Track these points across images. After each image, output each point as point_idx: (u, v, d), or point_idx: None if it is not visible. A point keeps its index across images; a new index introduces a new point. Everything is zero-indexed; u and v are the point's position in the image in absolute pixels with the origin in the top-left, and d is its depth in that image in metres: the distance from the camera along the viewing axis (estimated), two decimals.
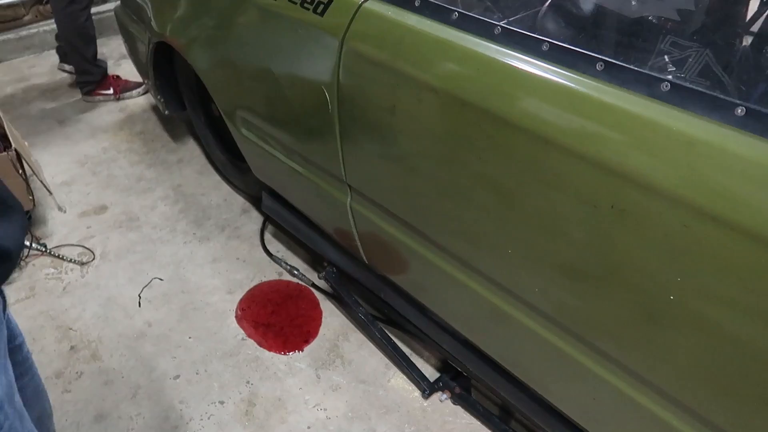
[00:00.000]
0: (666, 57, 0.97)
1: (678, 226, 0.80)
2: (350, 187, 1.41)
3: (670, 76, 0.82)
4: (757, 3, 1.13)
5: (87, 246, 2.06)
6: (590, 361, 1.04)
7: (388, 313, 1.73)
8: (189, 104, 2.28)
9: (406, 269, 1.43)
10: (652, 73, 0.83)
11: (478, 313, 1.26)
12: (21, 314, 1.81)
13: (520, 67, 0.94)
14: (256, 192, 2.16)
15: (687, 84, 0.80)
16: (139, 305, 1.85)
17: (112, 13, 3.41)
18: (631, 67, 0.84)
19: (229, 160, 2.28)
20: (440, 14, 1.06)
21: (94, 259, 2.02)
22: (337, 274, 1.79)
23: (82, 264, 2.00)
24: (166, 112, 2.31)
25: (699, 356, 0.86)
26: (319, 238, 1.81)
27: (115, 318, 1.81)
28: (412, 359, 1.66)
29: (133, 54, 2.40)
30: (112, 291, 1.90)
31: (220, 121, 2.12)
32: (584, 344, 1.03)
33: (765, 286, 0.74)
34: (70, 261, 2.00)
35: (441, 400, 1.58)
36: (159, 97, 2.25)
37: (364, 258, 1.59)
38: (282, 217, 1.94)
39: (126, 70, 3.16)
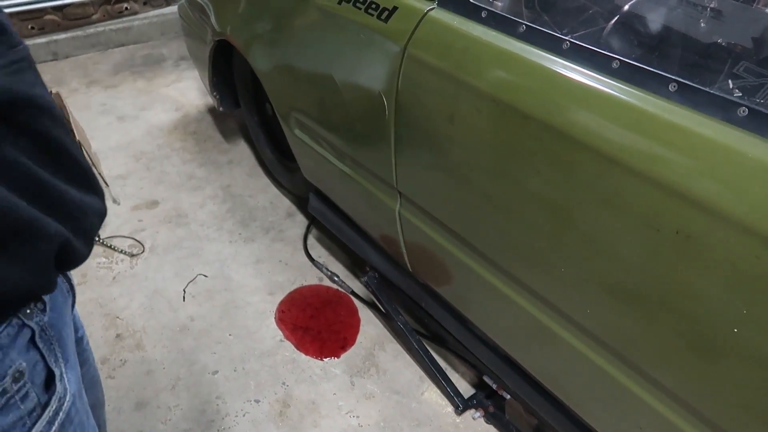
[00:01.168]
0: (736, 82, 0.93)
1: (748, 257, 0.76)
2: (400, 194, 1.41)
3: (747, 101, 0.79)
4: None
5: (137, 238, 2.12)
6: (638, 388, 1.00)
7: (428, 324, 1.71)
8: (243, 102, 2.32)
9: (451, 280, 1.42)
10: (729, 97, 0.80)
11: (523, 329, 1.24)
12: None
13: (587, 83, 0.92)
14: (302, 192, 2.18)
15: (766, 110, 0.77)
16: (184, 299, 1.89)
17: (175, 15, 3.54)
18: (707, 89, 0.82)
19: (278, 160, 2.32)
20: (507, 26, 1.05)
21: (143, 251, 2.07)
22: (379, 280, 1.79)
23: (132, 255, 2.05)
24: (221, 109, 2.36)
25: (758, 392, 0.82)
26: (362, 242, 1.81)
27: (160, 310, 1.85)
28: (447, 374, 1.64)
29: (193, 50, 2.47)
30: (159, 284, 1.94)
31: (272, 120, 2.16)
32: (633, 369, 1.00)
33: None
34: (121, 252, 2.06)
35: (474, 418, 1.56)
36: (215, 93, 2.31)
37: (408, 266, 1.58)
38: (327, 219, 1.95)
39: (181, 68, 3.27)
